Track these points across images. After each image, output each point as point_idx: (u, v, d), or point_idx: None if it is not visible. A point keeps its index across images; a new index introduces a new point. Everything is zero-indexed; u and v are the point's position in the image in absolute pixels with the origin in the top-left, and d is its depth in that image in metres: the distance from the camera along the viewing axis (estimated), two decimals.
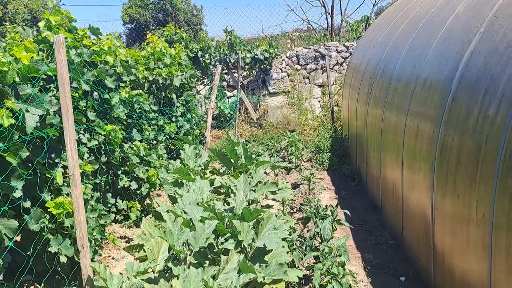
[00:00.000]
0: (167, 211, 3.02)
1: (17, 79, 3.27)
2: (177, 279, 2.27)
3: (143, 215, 5.65)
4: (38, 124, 3.17)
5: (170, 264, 2.47)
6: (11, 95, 3.16)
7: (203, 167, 4.81)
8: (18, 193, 2.89)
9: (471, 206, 2.61)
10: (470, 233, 2.66)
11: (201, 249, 2.72)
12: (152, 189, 5.84)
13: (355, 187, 6.41)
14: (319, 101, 11.38)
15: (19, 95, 3.21)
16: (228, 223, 2.90)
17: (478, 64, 2.78)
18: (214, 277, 2.48)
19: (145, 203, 5.87)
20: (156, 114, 6.80)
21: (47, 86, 3.75)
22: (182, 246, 2.59)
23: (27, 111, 3.08)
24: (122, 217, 5.36)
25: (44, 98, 3.27)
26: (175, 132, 7.34)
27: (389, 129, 4.61)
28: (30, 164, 3.44)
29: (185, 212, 2.97)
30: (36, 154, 3.37)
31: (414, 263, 3.88)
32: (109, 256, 4.46)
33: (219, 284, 2.32)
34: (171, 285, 2.21)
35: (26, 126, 2.93)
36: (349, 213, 3.98)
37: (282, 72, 11.38)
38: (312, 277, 3.49)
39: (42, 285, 3.86)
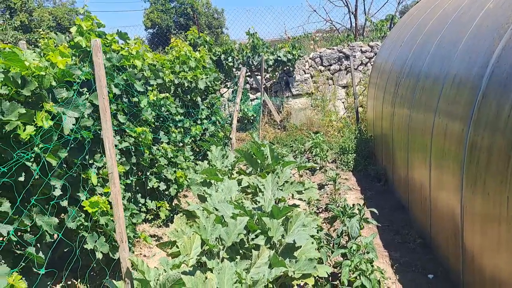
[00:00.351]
0: (200, 209, 3.11)
1: (53, 83, 3.42)
2: (211, 272, 2.34)
3: (172, 214, 5.79)
4: (74, 126, 3.32)
5: (204, 258, 2.55)
6: (48, 98, 3.32)
7: (230, 167, 4.89)
8: (57, 192, 3.02)
9: (502, 204, 2.59)
10: (501, 232, 2.63)
11: (233, 245, 2.80)
12: (180, 190, 5.97)
13: (381, 187, 6.37)
14: (343, 102, 11.34)
15: (56, 99, 3.36)
16: (257, 220, 2.96)
17: (510, 60, 2.76)
18: (247, 271, 2.56)
19: (173, 204, 6.01)
20: (182, 117, 6.94)
21: (80, 90, 3.90)
22: (215, 241, 2.67)
23: (64, 114, 3.22)
24: (152, 217, 5.51)
25: (80, 102, 3.42)
26: (200, 134, 7.46)
27: (416, 128, 4.58)
28: (65, 166, 3.60)
29: (216, 209, 3.05)
30: (72, 155, 3.52)
31: (443, 262, 3.85)
32: (141, 254, 4.59)
33: (251, 277, 2.39)
34: (206, 277, 2.29)
35: (64, 128, 3.07)
36: (376, 211, 3.98)
37: (305, 73, 11.39)
38: (339, 274, 3.51)
39: (79, 280, 4.02)
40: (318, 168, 7.44)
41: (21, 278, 2.59)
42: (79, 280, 4.05)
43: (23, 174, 2.72)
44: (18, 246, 2.80)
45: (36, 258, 2.82)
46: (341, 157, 7.92)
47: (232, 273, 2.30)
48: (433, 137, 3.97)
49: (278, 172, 4.06)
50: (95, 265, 3.80)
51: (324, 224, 4.76)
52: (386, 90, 6.51)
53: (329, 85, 11.32)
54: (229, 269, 2.32)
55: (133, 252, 4.46)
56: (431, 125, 4.02)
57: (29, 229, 2.81)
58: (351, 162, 7.57)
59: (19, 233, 2.82)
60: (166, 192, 5.75)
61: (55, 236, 3.35)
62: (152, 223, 5.54)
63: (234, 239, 2.70)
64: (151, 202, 5.41)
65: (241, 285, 2.27)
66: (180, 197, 6.57)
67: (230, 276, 2.28)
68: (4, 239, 2.66)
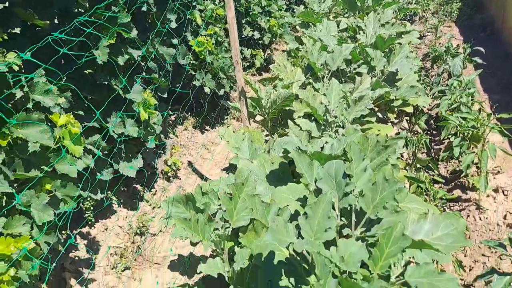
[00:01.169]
0: (306, 37, 3.22)
1: None
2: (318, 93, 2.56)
3: (265, 64, 6.05)
4: None
5: (310, 80, 2.75)
6: None
7: (327, 11, 4.81)
8: (173, 24, 3.30)
9: None
10: None
11: (337, 72, 2.94)
12: (274, 39, 6.09)
13: (487, 37, 5.89)
14: None
15: None
16: (360, 51, 3.02)
17: None
18: (350, 93, 2.73)
19: (266, 53, 6.21)
20: None
21: None
22: (320, 67, 2.83)
23: None
24: (247, 64, 5.80)
25: None
26: None
27: None
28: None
29: (320, 40, 3.14)
30: None
31: None
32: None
33: (354, 96, 2.57)
34: (314, 95, 2.52)
35: None
36: (483, 50, 3.78)
37: None
38: (435, 115, 3.58)
39: (189, 113, 4.57)
40: (417, 18, 6.97)
41: (152, 96, 3.05)
42: (189, 113, 4.61)
43: (145, 5, 2.98)
44: (145, 72, 3.21)
45: (159, 83, 3.25)
46: (443, 8, 7.26)
47: (339, 90, 2.49)
48: None
49: (379, 13, 3.92)
50: (201, 101, 4.25)
51: (423, 71, 4.67)
52: None
53: None
54: (336, 86, 2.50)
55: (235, 90, 4.85)
56: None
57: (153, 57, 3.18)
58: (455, 12, 6.93)
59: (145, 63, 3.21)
60: (260, 42, 5.92)
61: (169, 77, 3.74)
62: (247, 72, 5.85)
63: (339, 64, 2.83)
64: (247, 49, 5.64)
65: (347, 100, 2.46)
66: (272, 49, 6.72)
67: (337, 92, 2.47)
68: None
